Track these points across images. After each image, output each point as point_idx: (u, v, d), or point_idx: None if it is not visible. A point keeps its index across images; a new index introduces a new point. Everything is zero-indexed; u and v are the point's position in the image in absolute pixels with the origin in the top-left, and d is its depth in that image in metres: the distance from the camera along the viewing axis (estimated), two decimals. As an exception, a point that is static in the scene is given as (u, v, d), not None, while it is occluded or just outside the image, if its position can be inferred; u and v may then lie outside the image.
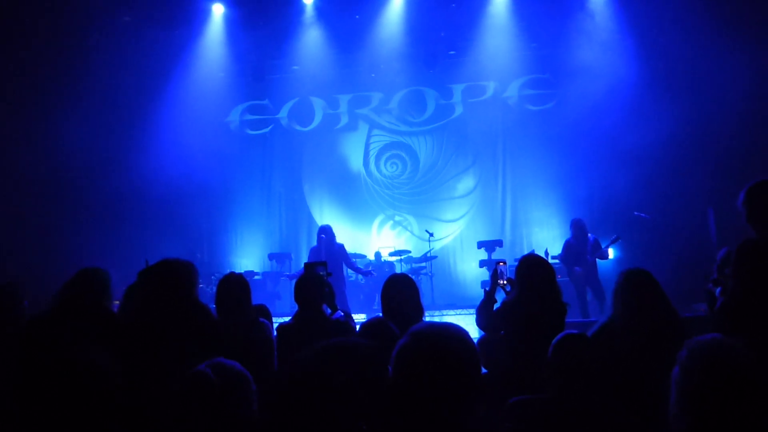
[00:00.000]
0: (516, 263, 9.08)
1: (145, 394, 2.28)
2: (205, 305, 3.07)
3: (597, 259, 8.18)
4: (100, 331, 2.99)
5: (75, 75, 9.44)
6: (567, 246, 8.38)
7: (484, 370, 3.54)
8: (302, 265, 5.17)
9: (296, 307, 3.67)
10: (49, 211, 9.25)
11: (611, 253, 8.36)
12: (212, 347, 2.52)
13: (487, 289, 3.85)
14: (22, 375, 2.64)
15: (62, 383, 2.00)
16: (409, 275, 3.76)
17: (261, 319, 3.39)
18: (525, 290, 3.55)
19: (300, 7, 10.55)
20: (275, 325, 3.66)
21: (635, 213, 9.13)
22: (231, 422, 1.75)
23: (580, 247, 8.23)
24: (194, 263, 3.33)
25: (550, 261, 7.49)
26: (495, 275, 3.93)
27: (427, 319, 6.21)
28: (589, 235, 8.32)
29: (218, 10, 10.63)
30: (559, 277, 4.13)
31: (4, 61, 9.09)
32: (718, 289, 3.69)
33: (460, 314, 9.12)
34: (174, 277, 3.02)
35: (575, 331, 2.93)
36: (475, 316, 3.86)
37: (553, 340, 2.80)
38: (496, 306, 3.75)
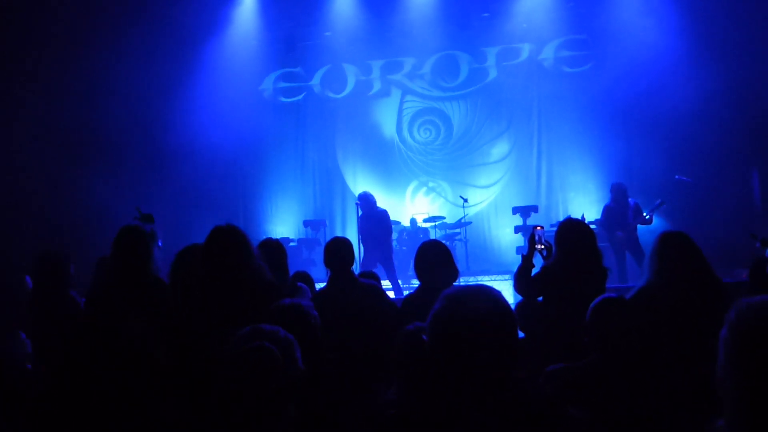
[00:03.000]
0: (552, 228, 9.03)
1: (202, 361, 2.33)
2: (266, 271, 3.06)
3: (638, 225, 8.06)
4: (150, 300, 3.06)
5: (113, 38, 9.53)
6: (606, 210, 8.27)
7: (521, 335, 3.55)
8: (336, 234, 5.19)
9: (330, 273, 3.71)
10: (86, 171, 9.43)
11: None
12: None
13: (524, 254, 3.83)
14: (78, 348, 2.74)
15: (113, 359, 2.07)
16: (441, 241, 3.76)
17: (299, 284, 3.44)
18: (565, 255, 3.52)
19: (331, -27, 10.45)
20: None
21: (677, 177, 8.92)
22: (283, 387, 1.79)
23: (621, 212, 8.11)
24: None
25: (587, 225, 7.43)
26: (532, 240, 3.89)
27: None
28: (630, 199, 8.18)
29: (250, -22, 10.59)
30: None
31: (47, 23, 9.24)
32: (767, 251, 3.61)
33: (495, 280, 9.10)
34: (233, 243, 3.01)
35: (614, 295, 2.91)
36: (512, 281, 3.85)
37: (591, 304, 2.79)
38: (534, 271, 3.73)
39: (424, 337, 1.65)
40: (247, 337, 1.89)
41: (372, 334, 3.24)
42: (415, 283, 4.60)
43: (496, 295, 1.62)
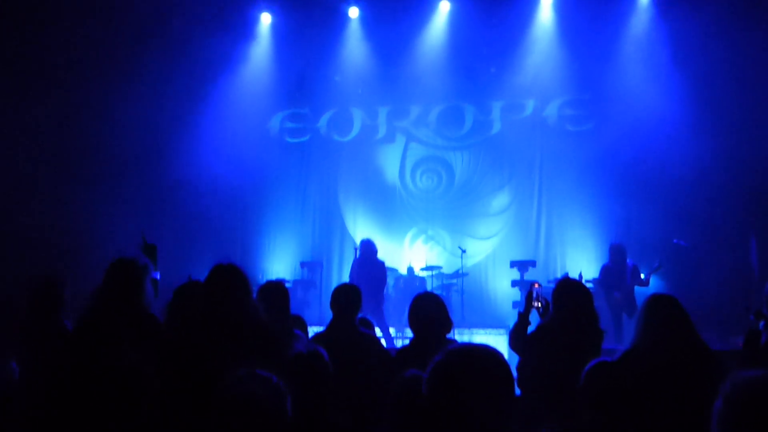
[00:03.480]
0: (549, 284, 9.02)
1: (189, 401, 2.31)
2: (261, 312, 3.07)
3: (635, 286, 8.08)
4: (140, 333, 3.04)
5: (126, 72, 9.71)
6: (604, 270, 8.29)
7: (518, 392, 3.52)
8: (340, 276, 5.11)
9: (325, 317, 3.71)
10: (91, 196, 9.48)
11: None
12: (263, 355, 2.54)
13: (521, 311, 3.82)
14: (63, 377, 2.71)
15: (101, 387, 2.05)
16: (436, 293, 3.76)
17: (296, 331, 3.43)
18: (562, 315, 3.52)
19: (345, 20, 10.72)
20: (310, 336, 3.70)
21: (674, 240, 8.96)
22: None
23: (619, 272, 8.12)
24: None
25: (584, 284, 7.43)
26: (529, 297, 3.90)
27: (456, 336, 6.17)
28: (628, 260, 8.21)
29: (266, 20, 10.86)
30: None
31: (60, 59, 9.42)
32: (761, 323, 3.61)
33: (490, 333, 9.05)
34: (235, 282, 3.02)
35: (608, 359, 2.90)
36: (508, 338, 3.84)
37: (585, 368, 2.78)
38: (530, 328, 3.72)
39: (423, 386, 1.68)
40: (239, 380, 1.88)
41: (364, 385, 3.22)
42: (409, 333, 4.58)
43: (496, 354, 1.67)
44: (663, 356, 3.07)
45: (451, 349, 1.68)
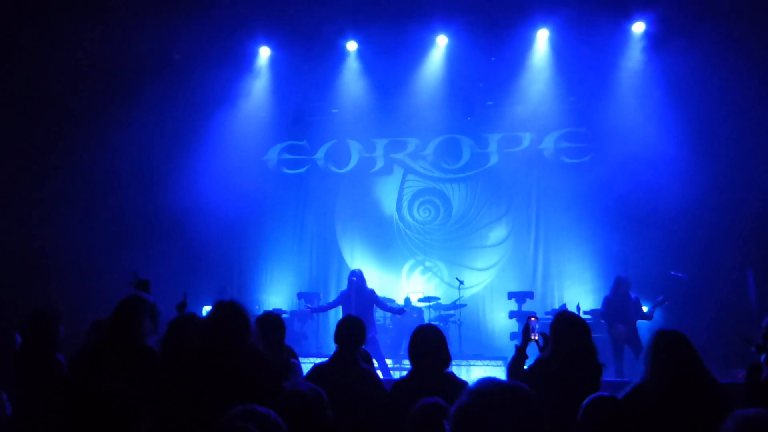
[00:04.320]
0: (547, 316, 8.97)
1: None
2: (261, 349, 3.08)
3: (638, 320, 8.06)
4: (136, 367, 3.02)
5: (126, 104, 9.79)
6: (607, 302, 8.26)
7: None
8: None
9: (322, 349, 3.69)
10: (87, 229, 9.47)
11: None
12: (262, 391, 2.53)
13: (518, 344, 3.80)
14: (54, 412, 2.68)
15: (92, 423, 2.03)
16: (438, 326, 3.74)
17: (292, 360, 3.41)
18: (560, 348, 3.50)
19: (343, 53, 10.84)
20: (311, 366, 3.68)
21: (672, 273, 8.96)
22: None
23: (622, 305, 8.10)
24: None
25: (582, 316, 7.41)
26: (527, 331, 3.87)
27: (454, 368, 6.12)
28: (632, 293, 8.20)
29: (265, 53, 10.97)
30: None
31: (60, 90, 9.52)
32: (762, 357, 3.59)
33: (487, 365, 8.97)
34: (236, 319, 3.03)
35: (606, 394, 2.88)
36: (506, 372, 3.81)
37: (584, 403, 2.75)
38: (529, 362, 3.69)
39: (446, 424, 1.62)
40: (237, 416, 1.86)
41: (363, 420, 3.18)
42: (407, 363, 4.55)
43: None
44: (672, 393, 3.04)
45: (475, 389, 1.60)
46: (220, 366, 2.87)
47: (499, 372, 8.73)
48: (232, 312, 3.04)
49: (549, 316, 8.94)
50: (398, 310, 8.63)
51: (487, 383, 1.62)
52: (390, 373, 8.12)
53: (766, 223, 8.87)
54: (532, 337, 3.83)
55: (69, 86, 9.60)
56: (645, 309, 8.29)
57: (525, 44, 10.35)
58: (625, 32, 9.96)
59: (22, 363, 4.12)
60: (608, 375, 4.78)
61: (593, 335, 3.69)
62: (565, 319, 3.64)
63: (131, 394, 2.26)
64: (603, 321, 8.25)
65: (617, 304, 8.13)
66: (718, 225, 9.09)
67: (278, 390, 2.75)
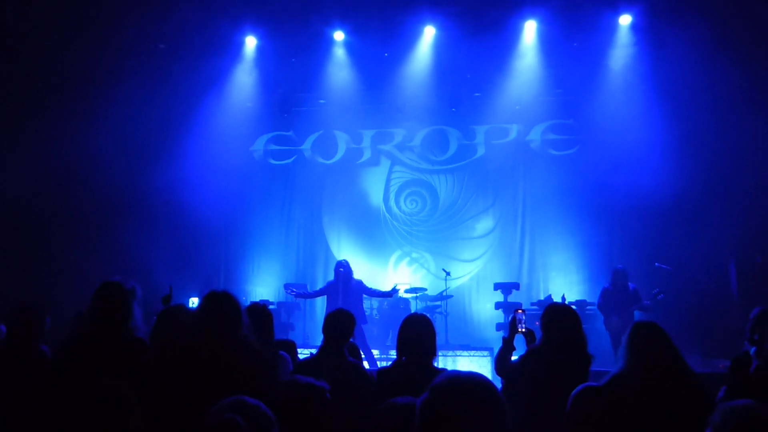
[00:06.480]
0: (533, 307, 9.00)
1: (177, 428, 2.27)
2: (253, 340, 3.06)
3: (635, 311, 8.16)
4: (125, 358, 2.99)
5: (109, 93, 9.67)
6: (604, 293, 8.33)
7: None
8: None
9: (309, 339, 3.68)
10: (74, 223, 9.38)
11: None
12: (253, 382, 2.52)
13: (505, 336, 3.82)
14: (39, 404, 2.65)
15: (78, 416, 2.01)
16: (428, 316, 3.75)
17: (281, 352, 3.40)
18: (551, 339, 3.53)
19: (330, 43, 10.77)
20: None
21: (656, 264, 9.06)
22: None
23: (619, 297, 8.16)
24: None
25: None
26: (513, 323, 3.90)
27: (440, 358, 6.13)
28: (630, 284, 8.27)
29: (251, 43, 10.86)
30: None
31: (42, 76, 9.39)
32: (752, 349, 3.63)
33: (474, 355, 9.02)
34: (228, 310, 3.01)
35: (595, 384, 2.91)
36: (493, 364, 3.83)
37: (572, 393, 2.78)
38: (519, 353, 3.72)
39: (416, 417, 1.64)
40: (227, 406, 1.86)
41: (347, 413, 3.19)
42: (393, 354, 4.55)
43: (488, 384, 1.63)
44: (648, 381, 3.10)
45: (442, 380, 1.62)
46: (212, 357, 2.86)
47: (485, 362, 8.79)
48: (225, 302, 3.02)
49: (535, 307, 9.01)
50: (389, 293, 8.66)
51: (448, 377, 1.64)
52: (376, 364, 8.15)
53: (749, 215, 8.98)
54: (519, 329, 3.86)
55: (50, 77, 9.47)
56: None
57: (513, 35, 10.34)
58: (613, 24, 9.98)
59: (7, 354, 4.08)
60: (607, 365, 4.85)
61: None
62: (556, 309, 3.68)
63: (121, 389, 2.25)
64: (598, 312, 8.34)
65: (613, 296, 8.19)
66: (701, 216, 9.20)
67: (270, 381, 2.75)
